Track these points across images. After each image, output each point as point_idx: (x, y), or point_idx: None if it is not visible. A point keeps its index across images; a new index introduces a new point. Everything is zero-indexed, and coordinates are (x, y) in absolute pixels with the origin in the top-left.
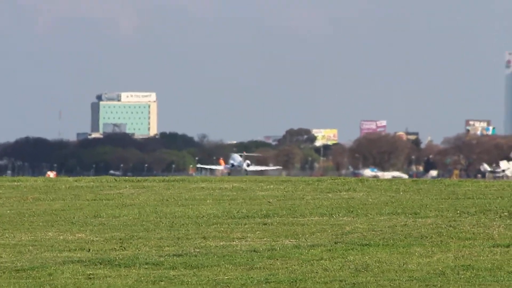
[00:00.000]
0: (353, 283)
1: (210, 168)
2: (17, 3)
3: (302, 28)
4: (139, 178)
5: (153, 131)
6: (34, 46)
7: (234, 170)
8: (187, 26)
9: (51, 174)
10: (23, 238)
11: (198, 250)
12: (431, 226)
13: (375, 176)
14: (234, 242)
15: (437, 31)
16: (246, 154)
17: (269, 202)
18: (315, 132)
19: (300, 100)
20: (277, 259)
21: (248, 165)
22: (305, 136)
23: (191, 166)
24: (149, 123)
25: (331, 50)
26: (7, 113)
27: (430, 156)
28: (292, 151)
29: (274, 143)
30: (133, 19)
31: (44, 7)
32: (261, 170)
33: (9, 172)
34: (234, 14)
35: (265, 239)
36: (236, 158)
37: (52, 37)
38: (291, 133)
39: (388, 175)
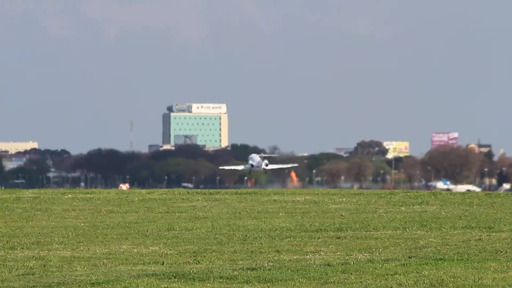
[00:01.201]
0: None
1: (233, 169)
2: (86, 15)
3: (372, 37)
4: (211, 190)
5: (224, 143)
6: (104, 58)
7: (254, 170)
8: (256, 38)
9: (124, 186)
10: (97, 251)
11: (271, 264)
12: (505, 240)
13: (447, 189)
14: (308, 256)
15: (509, 40)
16: (264, 155)
17: (341, 215)
18: (386, 144)
19: (372, 112)
20: (351, 273)
21: (266, 165)
22: (377, 148)
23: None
24: (220, 135)
25: (402, 60)
26: (80, 125)
27: (503, 169)
28: (364, 163)
29: (345, 155)
30: (204, 31)
31: (113, 18)
32: (279, 168)
33: (82, 184)
34: (301, 26)
35: (338, 253)
36: (255, 158)
37: (123, 48)
38: (362, 145)
39: (461, 188)
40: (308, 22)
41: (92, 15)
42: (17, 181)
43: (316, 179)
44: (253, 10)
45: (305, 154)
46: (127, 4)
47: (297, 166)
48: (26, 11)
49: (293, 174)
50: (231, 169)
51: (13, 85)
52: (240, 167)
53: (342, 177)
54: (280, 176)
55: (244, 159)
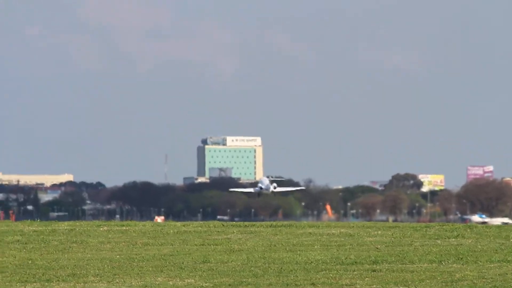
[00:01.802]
0: None
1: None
2: (120, 49)
3: (405, 68)
4: (246, 223)
5: (259, 176)
6: (139, 92)
7: (263, 192)
8: (290, 70)
9: (159, 219)
10: (133, 283)
11: None
12: None
13: (483, 223)
14: None
15: None
16: (272, 178)
17: (377, 248)
18: (421, 177)
19: (407, 144)
20: None
21: (275, 188)
22: (412, 181)
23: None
24: (254, 168)
25: (437, 92)
26: (114, 158)
27: None
28: (399, 196)
29: (380, 188)
30: (237, 63)
31: (147, 52)
32: (286, 191)
33: (117, 216)
34: (334, 57)
35: (374, 286)
36: (264, 182)
37: (156, 81)
38: (397, 178)
39: (496, 221)
40: (341, 53)
41: (127, 49)
42: (59, 213)
43: (351, 211)
44: (285, 41)
45: (340, 187)
46: (161, 39)
47: (303, 188)
48: (59, 45)
49: (328, 207)
50: (241, 191)
51: (48, 118)
52: (251, 190)
53: (377, 210)
54: (315, 209)
55: (279, 192)
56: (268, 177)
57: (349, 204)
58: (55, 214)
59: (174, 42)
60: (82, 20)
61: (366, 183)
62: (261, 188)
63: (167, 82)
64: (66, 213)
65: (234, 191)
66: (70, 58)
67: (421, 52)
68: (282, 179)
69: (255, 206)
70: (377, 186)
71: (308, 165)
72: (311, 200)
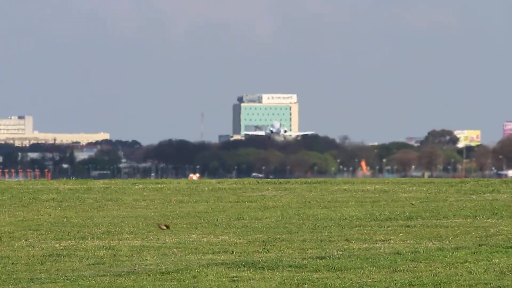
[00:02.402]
0: (499, 286)
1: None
2: (154, 10)
3: (440, 26)
4: (281, 180)
5: (295, 133)
6: (175, 51)
7: (274, 135)
8: (326, 31)
9: (194, 177)
10: (167, 241)
11: (341, 252)
12: None
13: None
14: (377, 245)
15: None
16: (282, 123)
17: (411, 204)
18: (457, 133)
19: (443, 100)
20: (421, 262)
21: (285, 131)
22: (448, 137)
23: None
24: (290, 125)
25: (473, 48)
26: (150, 116)
27: None
28: (435, 152)
29: (416, 144)
30: (275, 23)
31: (182, 11)
32: (297, 135)
33: (152, 174)
34: (370, 18)
35: (408, 241)
36: (276, 125)
37: (192, 41)
38: (433, 135)
39: None
40: (377, 14)
41: (162, 9)
42: (102, 171)
43: (386, 168)
44: (322, 3)
45: (376, 144)
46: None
47: (315, 134)
48: (93, 6)
49: (363, 163)
50: (254, 134)
51: (83, 78)
52: (262, 133)
53: (413, 166)
54: (350, 165)
55: (314, 149)
56: (280, 123)
57: (384, 160)
58: (97, 172)
59: (210, 2)
60: None
61: (401, 139)
62: (272, 131)
63: (203, 41)
64: (108, 172)
65: (247, 134)
66: (104, 18)
67: (456, 7)
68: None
69: (290, 163)
70: (412, 143)
71: (343, 122)
72: (347, 157)
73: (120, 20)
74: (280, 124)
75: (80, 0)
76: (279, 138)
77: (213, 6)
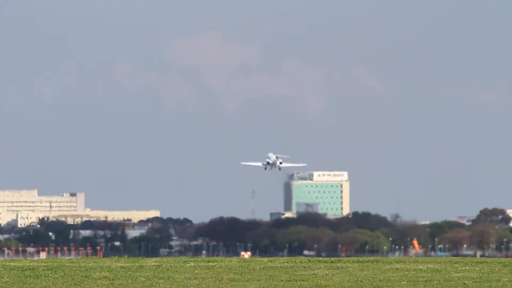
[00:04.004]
0: None
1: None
2: (206, 87)
3: (490, 105)
4: (333, 258)
5: (346, 211)
6: (225, 127)
7: (270, 166)
8: (376, 107)
9: (246, 254)
10: None
11: None
12: None
13: None
14: None
15: None
16: (278, 155)
17: (464, 284)
18: (509, 212)
19: (494, 179)
20: None
21: (280, 163)
22: (500, 216)
23: None
24: (341, 203)
25: None
26: (201, 193)
27: None
28: (487, 231)
29: (468, 223)
30: (325, 99)
31: (233, 89)
32: (291, 166)
33: (204, 252)
34: (419, 93)
35: None
36: (271, 157)
37: (244, 117)
38: (485, 213)
39: None
40: (428, 92)
41: (214, 87)
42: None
43: (439, 246)
44: (372, 79)
45: (427, 222)
46: (248, 77)
47: (305, 165)
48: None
49: (415, 242)
50: (251, 165)
51: (136, 156)
52: (259, 164)
53: (465, 245)
54: (402, 244)
55: (365, 227)
56: (276, 156)
57: (436, 239)
58: (165, 250)
59: (260, 80)
60: (169, 59)
61: (453, 218)
62: (268, 162)
63: (254, 118)
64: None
65: (245, 164)
66: (159, 96)
67: (506, 88)
68: (287, 156)
69: (341, 241)
70: (464, 221)
71: (395, 200)
72: (398, 235)
73: (171, 98)
74: (276, 157)
75: (132, 78)
76: (274, 169)
77: (264, 85)
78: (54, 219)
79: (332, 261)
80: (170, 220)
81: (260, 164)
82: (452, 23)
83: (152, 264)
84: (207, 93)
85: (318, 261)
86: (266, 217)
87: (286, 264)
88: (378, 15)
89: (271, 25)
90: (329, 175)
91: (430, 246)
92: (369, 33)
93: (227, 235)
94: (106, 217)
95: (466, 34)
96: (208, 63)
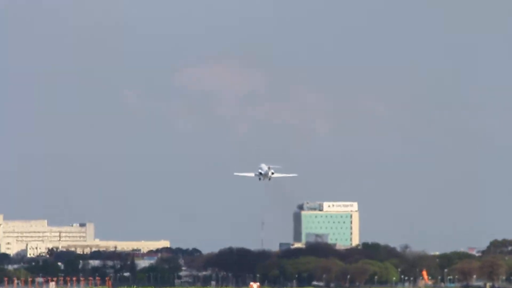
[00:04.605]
0: None
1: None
2: (216, 114)
3: (503, 133)
4: None
5: (355, 241)
6: (233, 154)
7: (263, 176)
8: (385, 136)
9: (255, 285)
10: None
11: None
12: None
13: None
14: None
15: None
16: (270, 166)
17: None
18: None
19: (505, 210)
20: None
21: (272, 173)
22: (510, 247)
23: None
24: (351, 233)
25: None
26: (211, 224)
27: None
28: (497, 262)
29: (477, 254)
30: (331, 126)
31: (242, 115)
32: (282, 177)
33: (213, 282)
34: (429, 120)
35: None
36: (264, 168)
37: (251, 144)
38: (495, 245)
39: None
40: (434, 117)
41: (223, 113)
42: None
43: (448, 277)
44: (377, 104)
45: (437, 253)
46: (256, 103)
47: (296, 175)
48: (156, 109)
49: (424, 273)
50: (244, 176)
51: (145, 185)
52: (252, 174)
53: (474, 276)
54: (411, 275)
55: (375, 258)
56: (268, 167)
57: (446, 270)
58: (180, 281)
59: (269, 106)
60: (177, 85)
61: (463, 249)
62: (260, 173)
63: (262, 145)
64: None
65: (238, 175)
66: (167, 124)
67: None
68: (279, 167)
69: (351, 272)
70: (474, 252)
71: (404, 231)
72: (408, 266)
73: (181, 124)
74: (268, 167)
75: (139, 105)
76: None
77: (272, 112)
78: (64, 249)
79: None
80: (179, 250)
81: (252, 174)
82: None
83: None
84: (216, 120)
85: None
86: (275, 248)
87: None
88: (385, 41)
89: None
90: (339, 205)
91: (439, 277)
92: (376, 59)
93: (236, 265)
94: (115, 247)
95: (477, 58)
96: (216, 90)
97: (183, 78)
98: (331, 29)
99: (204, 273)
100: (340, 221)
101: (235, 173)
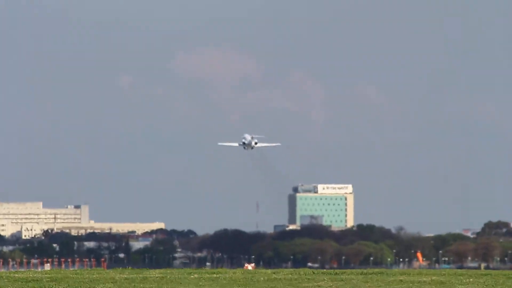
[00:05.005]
0: None
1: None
2: (210, 100)
3: (496, 118)
4: (336, 270)
5: (350, 223)
6: (228, 139)
7: (246, 146)
8: (380, 118)
9: (250, 266)
10: None
11: None
12: None
13: None
14: None
15: None
16: (253, 136)
17: None
18: None
19: (499, 192)
20: None
21: (256, 143)
22: (505, 229)
23: None
24: (345, 215)
25: None
26: (205, 205)
27: None
28: (491, 244)
29: (472, 236)
30: (327, 112)
31: (237, 102)
32: (266, 146)
33: (208, 264)
34: (420, 106)
35: None
36: (247, 138)
37: (246, 130)
38: (489, 226)
39: None
40: (433, 105)
41: (218, 100)
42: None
43: (443, 259)
44: (372, 92)
45: (432, 235)
46: (252, 90)
47: (279, 145)
48: (151, 96)
49: (419, 254)
50: (228, 145)
51: (140, 168)
52: (235, 144)
53: (469, 258)
54: (406, 256)
55: (369, 239)
56: (251, 136)
57: (440, 251)
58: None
59: (265, 93)
60: (173, 72)
61: (458, 230)
62: (244, 143)
63: (257, 131)
64: (187, 261)
65: (222, 145)
66: (163, 108)
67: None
68: (261, 136)
69: (346, 253)
70: (469, 234)
71: (399, 213)
72: (403, 248)
73: (177, 108)
74: (252, 137)
75: (136, 90)
76: (249, 149)
77: (266, 98)
78: (59, 231)
79: (336, 273)
80: (174, 232)
81: (236, 144)
82: (457, 35)
83: (156, 275)
84: (211, 106)
85: (322, 273)
86: (270, 230)
87: (290, 276)
88: (380, 28)
89: (274, 38)
90: (334, 188)
91: (434, 258)
92: (372, 46)
93: (231, 247)
94: (110, 229)
95: (472, 45)
96: (212, 75)
97: (178, 64)
98: (328, 15)
99: (199, 254)
100: (335, 203)
101: (219, 143)
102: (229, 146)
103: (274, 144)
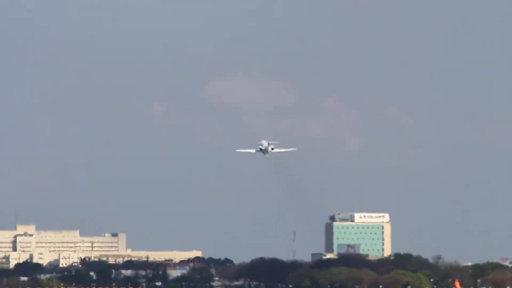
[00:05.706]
0: None
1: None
2: (244, 127)
3: None
4: None
5: (387, 252)
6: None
7: (263, 152)
8: (414, 147)
9: None
10: None
11: None
12: None
13: None
14: None
15: None
16: (270, 142)
17: None
18: None
19: None
20: None
21: (272, 149)
22: None
23: None
24: (383, 244)
25: None
26: (242, 234)
27: None
28: None
29: (510, 265)
30: (363, 141)
31: (271, 128)
32: (282, 151)
33: None
34: (456, 134)
35: None
36: (264, 144)
37: (281, 157)
38: None
39: None
40: (464, 129)
41: (251, 126)
42: None
43: None
44: (408, 119)
45: (469, 263)
46: (286, 116)
47: (295, 150)
48: (184, 123)
49: (457, 284)
50: (245, 152)
51: (177, 196)
52: (253, 150)
53: (507, 287)
54: (443, 285)
55: (407, 268)
56: (268, 143)
57: (478, 280)
58: None
59: (298, 119)
60: (206, 98)
61: (495, 259)
62: (261, 149)
63: (292, 158)
64: None
65: (240, 151)
66: (195, 135)
67: None
68: (277, 142)
69: (383, 283)
70: (507, 263)
71: (437, 241)
72: (440, 277)
73: (207, 136)
74: (268, 143)
75: (167, 114)
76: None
77: (302, 125)
78: (96, 259)
79: None
80: (211, 260)
81: (253, 150)
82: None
83: None
84: (245, 132)
85: None
86: (307, 258)
87: None
88: (413, 55)
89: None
90: (371, 216)
91: (472, 287)
92: (404, 73)
93: (268, 275)
94: (147, 257)
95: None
96: (245, 103)
97: (211, 91)
98: (359, 43)
99: (236, 283)
100: (372, 232)
101: (237, 150)
102: (247, 152)
103: (289, 149)
